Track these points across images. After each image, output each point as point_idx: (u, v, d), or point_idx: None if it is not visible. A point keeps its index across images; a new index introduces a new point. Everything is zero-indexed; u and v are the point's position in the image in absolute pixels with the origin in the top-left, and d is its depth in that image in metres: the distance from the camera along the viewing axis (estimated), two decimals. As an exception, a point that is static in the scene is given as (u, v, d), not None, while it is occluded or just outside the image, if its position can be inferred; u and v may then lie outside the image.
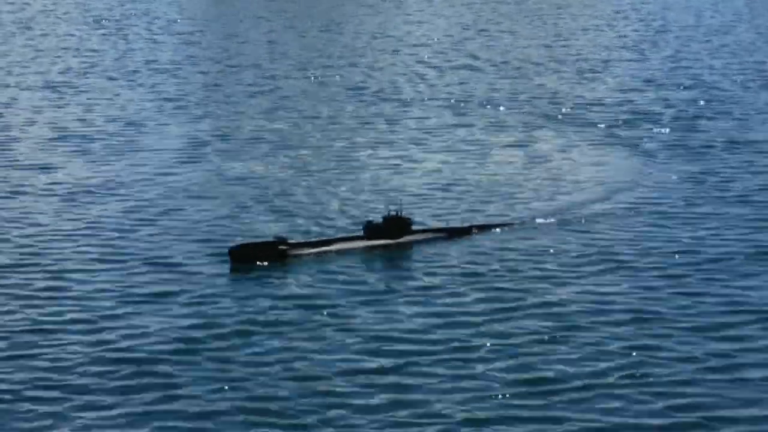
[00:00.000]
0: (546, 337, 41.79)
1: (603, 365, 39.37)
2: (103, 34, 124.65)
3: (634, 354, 40.31)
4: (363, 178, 64.93)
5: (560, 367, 39.26)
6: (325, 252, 51.47)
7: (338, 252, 51.62)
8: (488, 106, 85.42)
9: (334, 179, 64.58)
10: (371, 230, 52.98)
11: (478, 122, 79.99)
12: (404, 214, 53.84)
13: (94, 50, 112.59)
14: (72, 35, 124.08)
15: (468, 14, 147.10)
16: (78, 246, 52.63)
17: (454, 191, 62.27)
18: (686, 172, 66.21)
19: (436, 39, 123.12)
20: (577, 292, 46.44)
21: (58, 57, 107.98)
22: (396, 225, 53.18)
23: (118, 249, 52.14)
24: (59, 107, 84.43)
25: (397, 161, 68.69)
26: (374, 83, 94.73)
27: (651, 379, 38.44)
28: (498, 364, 39.40)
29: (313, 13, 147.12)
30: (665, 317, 43.86)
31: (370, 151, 71.04)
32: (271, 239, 51.42)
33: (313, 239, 52.95)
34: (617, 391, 37.55)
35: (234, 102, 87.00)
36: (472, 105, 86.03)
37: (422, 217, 56.35)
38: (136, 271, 49.19)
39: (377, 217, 53.86)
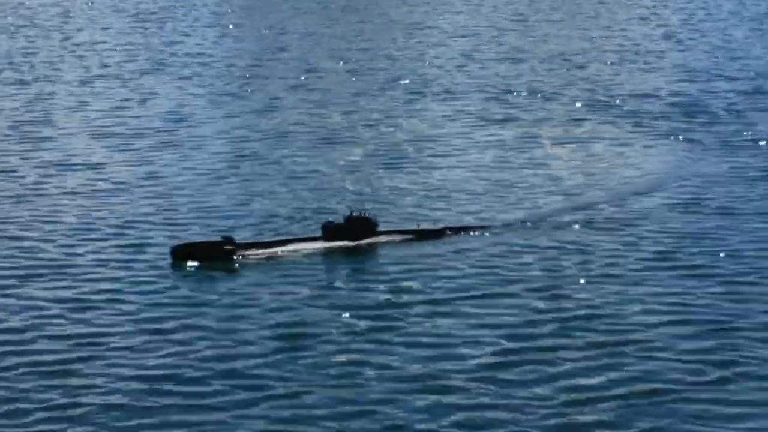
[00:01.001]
0: (597, 348, 39.86)
1: (666, 377, 37.62)
2: (143, 27, 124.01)
3: (697, 364, 38.51)
4: (388, 176, 62.78)
5: (618, 378, 37.53)
6: (276, 253, 48.88)
7: (291, 254, 48.87)
8: (530, 99, 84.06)
9: (344, 175, 62.83)
10: (331, 231, 49.97)
11: (519, 115, 78.72)
12: (369, 213, 50.87)
13: (132, 43, 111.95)
14: (110, 28, 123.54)
15: (507, 5, 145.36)
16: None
17: (478, 188, 60.42)
18: (737, 166, 64.61)
19: (476, 30, 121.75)
20: (620, 296, 44.45)
21: (96, 51, 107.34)
22: (359, 226, 50.08)
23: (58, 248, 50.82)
24: (96, 101, 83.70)
25: (429, 158, 66.96)
26: (413, 75, 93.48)
27: (722, 393, 36.60)
28: (546, 378, 37.64)
29: (354, 3, 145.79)
30: (722, 323, 42.07)
31: (404, 147, 69.46)
32: (218, 238, 49.22)
33: (265, 239, 50.30)
34: (686, 406, 35.73)
35: (262, 95, 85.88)
36: (513, 97, 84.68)
37: (450, 217, 54.28)
38: (67, 272, 47.48)
39: (339, 217, 51.16)
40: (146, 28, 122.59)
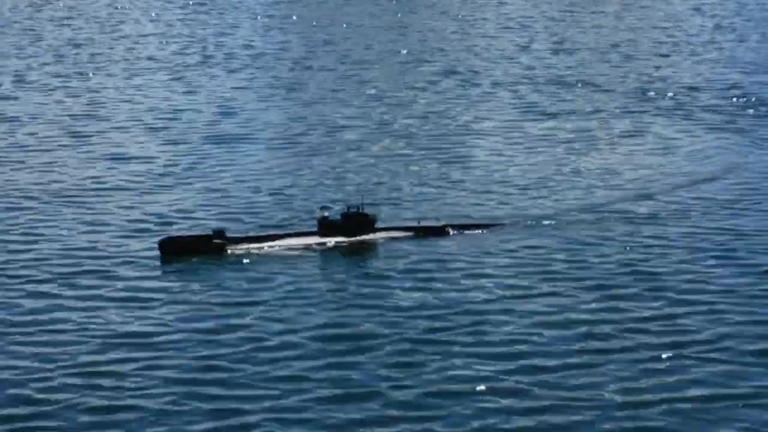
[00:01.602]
0: (661, 352, 38.33)
1: (732, 379, 36.27)
2: (191, 19, 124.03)
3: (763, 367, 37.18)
4: (420, 170, 61.64)
5: (684, 380, 36.17)
6: (268, 248, 47.37)
7: (283, 249, 47.40)
8: (581, 90, 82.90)
9: (373, 169, 61.75)
10: (327, 226, 48.62)
11: (569, 107, 77.49)
12: (367, 209, 49.53)
13: (181, 35, 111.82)
14: (157, 20, 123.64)
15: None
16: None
17: (510, 181, 59.35)
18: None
19: (527, 21, 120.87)
20: (678, 295, 43.03)
21: (143, 43, 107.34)
22: (356, 222, 48.73)
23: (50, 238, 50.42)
24: (143, 94, 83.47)
25: (472, 151, 65.88)
26: (463, 67, 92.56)
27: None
28: (608, 381, 36.23)
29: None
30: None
31: (448, 141, 68.30)
32: (209, 232, 48.01)
33: (257, 234, 48.79)
34: (754, 411, 34.36)
35: (310, 88, 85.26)
36: (564, 89, 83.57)
37: (479, 212, 53.09)
38: (58, 261, 47.15)
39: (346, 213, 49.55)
40: (194, 20, 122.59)
